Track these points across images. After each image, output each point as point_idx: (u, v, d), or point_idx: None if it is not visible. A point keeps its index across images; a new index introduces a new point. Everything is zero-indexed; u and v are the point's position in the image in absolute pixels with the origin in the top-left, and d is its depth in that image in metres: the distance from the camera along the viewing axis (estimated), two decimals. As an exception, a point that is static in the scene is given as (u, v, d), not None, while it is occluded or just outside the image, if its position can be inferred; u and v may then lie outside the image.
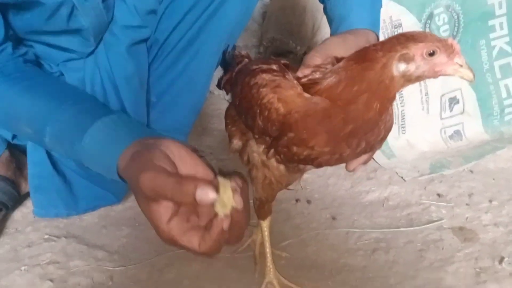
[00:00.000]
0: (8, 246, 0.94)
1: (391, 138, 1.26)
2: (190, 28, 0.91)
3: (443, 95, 1.27)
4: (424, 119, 1.27)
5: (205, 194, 0.49)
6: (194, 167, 0.55)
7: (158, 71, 0.96)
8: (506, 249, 0.89)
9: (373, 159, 1.23)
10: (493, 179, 1.12)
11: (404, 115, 1.26)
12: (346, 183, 1.15)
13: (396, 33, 1.16)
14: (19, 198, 1.05)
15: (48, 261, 0.89)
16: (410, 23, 1.19)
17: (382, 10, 1.15)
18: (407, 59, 0.52)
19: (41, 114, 0.75)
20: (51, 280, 0.85)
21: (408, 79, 0.54)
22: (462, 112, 1.29)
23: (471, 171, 1.16)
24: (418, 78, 0.54)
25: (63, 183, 0.96)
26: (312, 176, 1.19)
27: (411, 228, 0.97)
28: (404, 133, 1.27)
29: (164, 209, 0.53)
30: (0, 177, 1.01)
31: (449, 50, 0.52)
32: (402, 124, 1.27)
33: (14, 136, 0.94)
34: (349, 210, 1.05)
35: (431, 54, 0.52)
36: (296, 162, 0.63)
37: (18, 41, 0.84)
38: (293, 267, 0.88)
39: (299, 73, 0.62)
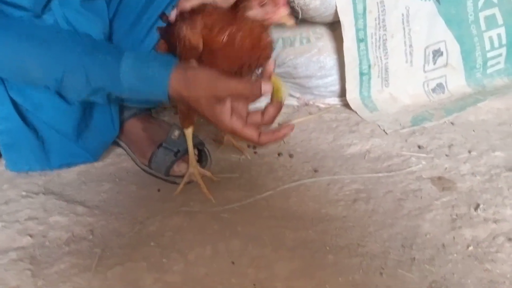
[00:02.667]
0: (-15, 203, 0.93)
1: (374, 92, 1.26)
2: None
3: (427, 47, 1.25)
4: (408, 72, 1.26)
5: (268, 87, 0.71)
6: None
7: (122, 29, 0.92)
8: (482, 197, 0.91)
9: (356, 112, 1.23)
10: (473, 130, 1.13)
11: (388, 68, 1.25)
12: (328, 137, 1.15)
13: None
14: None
15: (27, 217, 0.88)
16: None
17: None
18: (249, 7, 0.73)
19: (54, 55, 0.76)
20: (31, 236, 0.84)
21: (257, 21, 0.74)
22: (446, 65, 1.28)
23: (452, 123, 1.16)
24: (263, 22, 0.74)
25: (34, 138, 0.92)
26: (294, 130, 1.17)
27: (391, 179, 0.98)
28: (387, 86, 1.26)
29: (226, 109, 0.72)
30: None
31: (276, 2, 0.72)
32: (385, 77, 1.25)
33: None
34: (331, 162, 1.05)
35: (263, 5, 0.72)
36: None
37: None
38: (274, 218, 0.89)
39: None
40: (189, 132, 0.94)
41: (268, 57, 0.81)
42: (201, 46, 0.78)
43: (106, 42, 0.87)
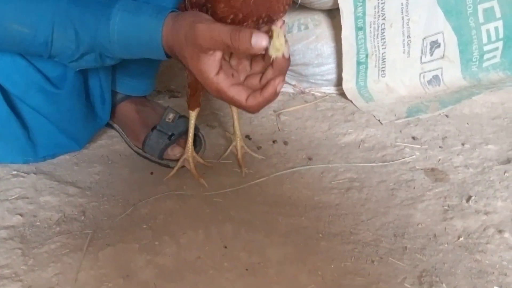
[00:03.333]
0: (-27, 181, 0.91)
1: (371, 81, 1.25)
2: None
3: (425, 38, 1.25)
4: (405, 63, 1.26)
5: (260, 39, 0.56)
6: None
7: None
8: (474, 189, 0.92)
9: (352, 102, 1.22)
10: (468, 123, 1.14)
11: (385, 58, 1.24)
12: (323, 125, 1.15)
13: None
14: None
15: (17, 196, 0.87)
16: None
17: None
18: None
19: (41, 8, 0.68)
20: (21, 215, 0.83)
21: None
22: (442, 57, 1.28)
23: (447, 116, 1.17)
24: None
25: (20, 126, 0.88)
26: (289, 118, 1.17)
27: (385, 169, 0.98)
28: (384, 76, 1.26)
29: (213, 62, 0.60)
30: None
31: None
32: (382, 67, 1.25)
33: None
34: (326, 151, 1.05)
35: None
36: None
37: None
38: (268, 203, 0.89)
39: None
40: (193, 114, 0.92)
41: (285, 2, 0.68)
42: None
43: None
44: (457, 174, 0.96)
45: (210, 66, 0.60)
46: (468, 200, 0.89)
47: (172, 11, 0.67)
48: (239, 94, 0.61)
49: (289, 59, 0.60)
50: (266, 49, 0.58)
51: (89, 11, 0.69)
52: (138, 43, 0.68)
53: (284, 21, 0.65)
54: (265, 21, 0.68)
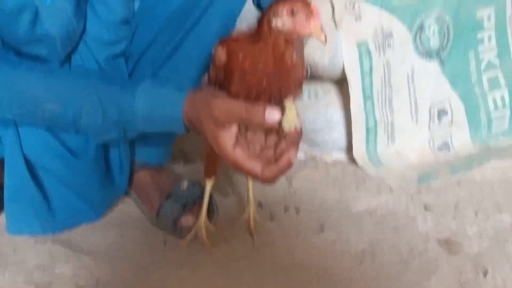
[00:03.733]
0: (-8, 250, 0.93)
1: (381, 148, 1.28)
2: (167, 44, 0.87)
3: (432, 105, 1.29)
4: (413, 129, 1.28)
5: (273, 113, 0.61)
6: None
7: None
8: (491, 262, 0.90)
9: (362, 168, 1.24)
10: (479, 189, 1.14)
11: (394, 125, 1.27)
12: (335, 192, 1.16)
13: (386, 43, 1.18)
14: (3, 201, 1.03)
15: (33, 267, 0.88)
16: (401, 33, 1.20)
17: (374, 19, 1.17)
18: (276, 14, 0.62)
19: (72, 87, 0.75)
20: (36, 285, 0.84)
21: (283, 34, 0.63)
22: (451, 123, 1.31)
23: (458, 183, 1.17)
24: (288, 36, 0.63)
25: (40, 196, 0.91)
26: (301, 185, 1.19)
27: (398, 238, 0.98)
28: (394, 142, 1.28)
29: (230, 136, 0.64)
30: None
31: (308, 13, 0.61)
32: (391, 134, 1.28)
33: None
34: (337, 218, 1.06)
35: (293, 13, 0.61)
36: None
37: None
38: (279, 273, 0.88)
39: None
40: (209, 183, 0.93)
41: (296, 83, 0.70)
42: (223, 63, 0.72)
43: (122, 76, 0.88)
44: (472, 245, 0.95)
45: (227, 139, 0.64)
46: (485, 274, 0.87)
47: (192, 89, 0.72)
48: (255, 166, 0.64)
49: (301, 131, 0.65)
50: (279, 123, 0.62)
51: (116, 88, 0.75)
52: (161, 118, 0.73)
53: (294, 96, 0.70)
54: (277, 100, 0.71)
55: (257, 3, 0.95)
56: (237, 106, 0.62)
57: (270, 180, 0.65)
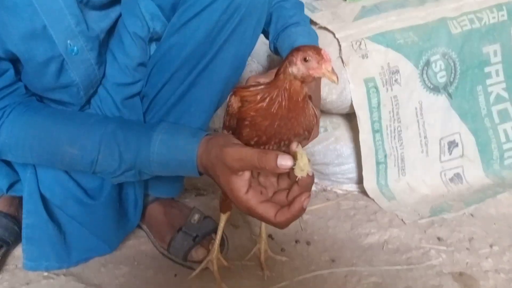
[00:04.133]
0: (6, 283, 0.94)
1: (392, 181, 1.27)
2: (180, 84, 0.90)
3: (442, 138, 1.29)
4: (424, 162, 1.28)
5: (285, 160, 0.61)
6: None
7: (151, 122, 0.95)
8: (507, 297, 0.87)
9: (374, 201, 1.23)
10: (494, 224, 1.12)
11: (404, 158, 1.28)
12: (346, 225, 1.15)
13: (393, 79, 1.21)
14: (20, 235, 1.05)
15: (45, 300, 0.89)
16: (407, 70, 1.23)
17: (380, 57, 1.19)
18: (291, 63, 0.68)
19: (90, 132, 0.78)
20: (47, 320, 0.85)
21: (298, 79, 0.68)
22: (462, 156, 1.30)
23: (472, 215, 1.15)
24: (303, 79, 0.68)
25: (57, 233, 0.94)
26: (312, 217, 1.19)
27: (411, 273, 0.96)
28: (404, 175, 1.28)
29: (243, 181, 0.65)
30: (2, 214, 1.02)
31: (319, 58, 0.67)
32: (402, 167, 1.28)
33: (9, 187, 0.95)
34: (349, 253, 1.04)
35: (306, 60, 0.67)
36: None
37: None
38: (290, 311, 0.87)
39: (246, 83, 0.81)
40: (224, 218, 0.94)
41: (305, 127, 0.72)
42: (236, 111, 0.74)
43: (140, 121, 0.93)
44: (488, 280, 0.93)
45: (240, 185, 0.65)
46: (501, 310, 0.84)
47: (207, 134, 0.74)
48: (268, 211, 0.64)
49: (313, 176, 0.64)
50: (291, 169, 0.62)
51: (133, 133, 0.79)
52: (175, 163, 0.75)
53: (302, 140, 0.71)
54: (286, 144, 0.73)
55: (274, 49, 1.00)
56: (250, 154, 0.63)
57: (282, 225, 0.64)
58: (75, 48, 0.80)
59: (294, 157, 0.63)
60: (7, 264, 1.00)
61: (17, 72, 0.83)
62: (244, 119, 0.74)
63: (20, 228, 1.02)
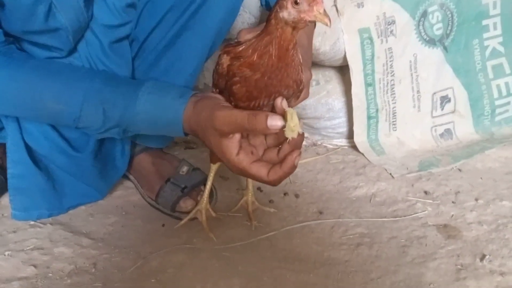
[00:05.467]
0: (-7, 231, 0.95)
1: (382, 135, 1.27)
2: (171, 27, 0.88)
3: (434, 93, 1.28)
4: (415, 117, 1.28)
5: (275, 120, 0.60)
6: None
7: (140, 68, 0.94)
8: (488, 247, 0.90)
9: (363, 155, 1.24)
10: (481, 178, 1.13)
11: (395, 113, 1.26)
12: (334, 178, 1.16)
13: (389, 30, 1.17)
14: (6, 183, 1.04)
15: (32, 247, 0.90)
16: (403, 20, 1.19)
17: (376, 7, 1.15)
18: (282, 7, 0.66)
19: (75, 87, 0.76)
20: (35, 266, 0.85)
21: (289, 24, 0.66)
22: (453, 111, 1.29)
23: (459, 170, 1.16)
24: (295, 24, 0.66)
25: (46, 180, 0.93)
26: (301, 171, 1.19)
27: (396, 224, 0.98)
28: (395, 130, 1.28)
29: (233, 144, 0.65)
30: (-13, 162, 1.01)
31: (310, 0, 0.64)
32: (393, 121, 1.27)
33: None
34: (336, 204, 1.06)
35: (297, 3, 0.64)
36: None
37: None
38: (277, 259, 0.89)
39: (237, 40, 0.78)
40: (214, 168, 0.94)
41: (296, 80, 0.70)
42: (225, 70, 0.73)
43: (126, 77, 0.90)
44: (471, 231, 0.95)
45: (231, 148, 0.65)
46: (482, 259, 0.86)
47: (194, 94, 0.72)
48: (260, 170, 0.65)
49: (303, 134, 0.64)
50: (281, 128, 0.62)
51: (118, 91, 0.76)
52: (161, 123, 0.74)
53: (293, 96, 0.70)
54: (276, 97, 0.72)
55: (266, 4, 0.96)
56: (240, 117, 0.62)
57: (275, 183, 0.65)
58: None
59: (284, 117, 0.61)
60: (-7, 213, 1.00)
61: None
62: (233, 76, 0.72)
63: (5, 176, 1.01)
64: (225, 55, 0.75)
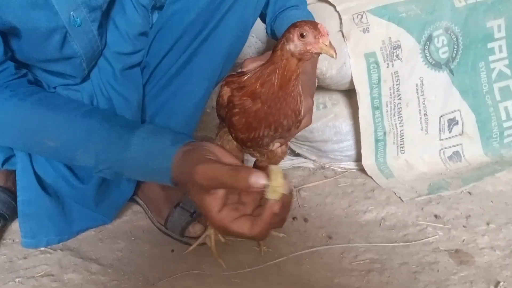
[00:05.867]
0: (4, 257, 0.95)
1: (390, 158, 1.27)
2: (181, 54, 0.89)
3: (442, 115, 1.28)
4: (423, 140, 1.27)
5: (258, 179, 0.55)
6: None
7: (152, 93, 0.95)
8: (502, 274, 0.88)
9: (372, 178, 1.23)
10: (492, 201, 1.12)
11: (403, 135, 1.26)
12: (343, 202, 1.15)
13: (395, 54, 1.18)
14: (17, 209, 1.06)
15: (43, 273, 0.90)
16: (409, 45, 1.21)
17: (381, 32, 1.17)
18: (288, 40, 0.67)
19: (71, 128, 0.75)
20: (45, 292, 0.85)
21: (296, 56, 0.67)
22: (462, 134, 1.29)
23: (470, 193, 1.15)
24: (301, 56, 0.67)
25: (54, 205, 0.94)
26: (309, 194, 1.19)
27: (407, 249, 0.96)
28: (403, 153, 1.27)
29: (215, 201, 0.60)
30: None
31: (316, 33, 0.65)
32: (401, 144, 1.27)
33: (4, 162, 0.94)
34: (346, 229, 1.05)
35: (303, 36, 0.66)
36: (240, 143, 0.80)
37: (17, 64, 0.82)
38: (286, 285, 0.88)
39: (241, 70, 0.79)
40: None
41: (295, 112, 0.69)
42: (226, 101, 0.74)
43: (124, 118, 0.87)
44: (483, 256, 0.93)
45: (212, 205, 0.60)
46: (496, 286, 0.85)
47: (187, 143, 0.68)
48: (241, 227, 0.59)
49: (290, 196, 0.58)
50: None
51: (112, 135, 0.73)
52: (150, 171, 0.70)
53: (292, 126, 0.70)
54: (276, 130, 0.73)
55: (271, 33, 0.98)
56: (221, 172, 0.58)
57: (260, 236, 0.59)
58: (78, 19, 0.78)
59: (269, 175, 0.56)
60: (4, 239, 1.01)
61: (7, 51, 0.79)
62: (233, 107, 0.74)
63: (16, 202, 1.02)
64: (225, 87, 0.77)
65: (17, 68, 0.81)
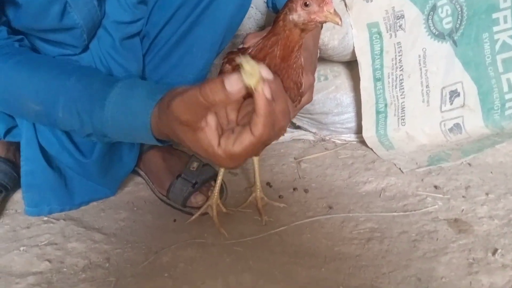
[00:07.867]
0: (7, 226, 0.96)
1: (391, 130, 1.27)
2: (182, 23, 0.87)
3: (444, 87, 1.27)
4: (424, 112, 1.27)
5: (232, 80, 0.49)
6: None
7: (152, 63, 0.94)
8: (500, 241, 0.89)
9: (372, 150, 1.23)
10: (491, 172, 1.12)
11: (404, 107, 1.26)
12: (343, 174, 1.16)
13: (398, 25, 1.16)
14: (19, 180, 1.05)
15: (46, 242, 0.91)
16: (412, 14, 1.19)
17: (385, 1, 1.15)
18: (291, 10, 0.66)
19: (50, 87, 0.73)
20: (49, 261, 0.86)
21: (299, 26, 0.66)
22: (463, 106, 1.29)
23: (469, 164, 1.16)
24: (304, 25, 0.66)
25: (57, 178, 0.95)
26: (310, 166, 1.19)
27: (407, 219, 0.98)
28: (404, 125, 1.27)
29: (210, 134, 0.54)
30: (0, 159, 1.02)
31: (320, 1, 0.64)
32: (402, 116, 1.27)
33: (6, 133, 0.93)
34: (346, 200, 1.06)
35: (307, 5, 0.64)
36: None
37: (13, 31, 0.81)
38: (287, 254, 0.89)
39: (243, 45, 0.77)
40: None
41: (297, 83, 0.68)
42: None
43: (104, 74, 0.84)
44: (482, 225, 0.94)
45: (209, 139, 0.54)
46: (494, 253, 0.86)
47: (167, 93, 0.62)
48: (243, 141, 0.53)
49: (277, 81, 0.54)
50: (247, 88, 0.50)
51: (88, 93, 0.70)
52: (129, 130, 0.67)
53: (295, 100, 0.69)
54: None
55: (273, 6, 0.96)
56: (194, 95, 0.51)
57: (266, 136, 0.53)
58: None
59: (240, 68, 0.50)
60: (7, 209, 1.01)
61: (0, 16, 0.78)
62: None
63: (18, 173, 1.02)
64: (227, 64, 0.75)
65: (11, 33, 0.79)
